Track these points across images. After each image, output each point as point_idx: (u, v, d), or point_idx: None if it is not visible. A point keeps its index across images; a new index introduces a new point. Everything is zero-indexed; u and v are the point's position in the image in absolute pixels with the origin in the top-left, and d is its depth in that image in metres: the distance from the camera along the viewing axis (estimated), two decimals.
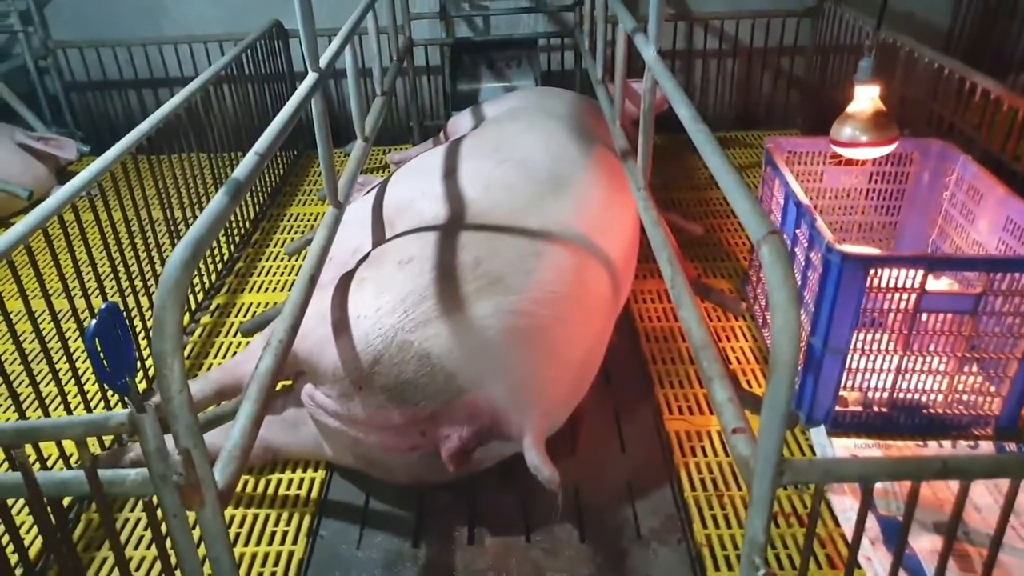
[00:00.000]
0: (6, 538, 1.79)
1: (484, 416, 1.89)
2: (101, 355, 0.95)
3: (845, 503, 1.97)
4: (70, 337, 2.64)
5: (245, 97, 3.65)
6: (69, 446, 2.11)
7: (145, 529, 2.00)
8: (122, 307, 2.43)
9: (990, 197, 2.28)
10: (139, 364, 1.76)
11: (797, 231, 2.28)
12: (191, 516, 1.18)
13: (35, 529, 1.95)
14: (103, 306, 0.96)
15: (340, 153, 3.83)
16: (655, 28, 1.99)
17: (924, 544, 1.83)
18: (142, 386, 2.37)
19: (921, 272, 1.96)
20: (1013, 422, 2.14)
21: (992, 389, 2.14)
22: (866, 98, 2.31)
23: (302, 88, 1.89)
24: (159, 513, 1.17)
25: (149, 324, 2.60)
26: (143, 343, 2.55)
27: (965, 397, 2.16)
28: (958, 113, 3.07)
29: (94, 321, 0.94)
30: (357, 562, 1.91)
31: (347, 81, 2.56)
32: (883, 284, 1.98)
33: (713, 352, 1.48)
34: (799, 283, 2.24)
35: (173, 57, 4.21)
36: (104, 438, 2.21)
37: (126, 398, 1.02)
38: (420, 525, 2.01)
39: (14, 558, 1.72)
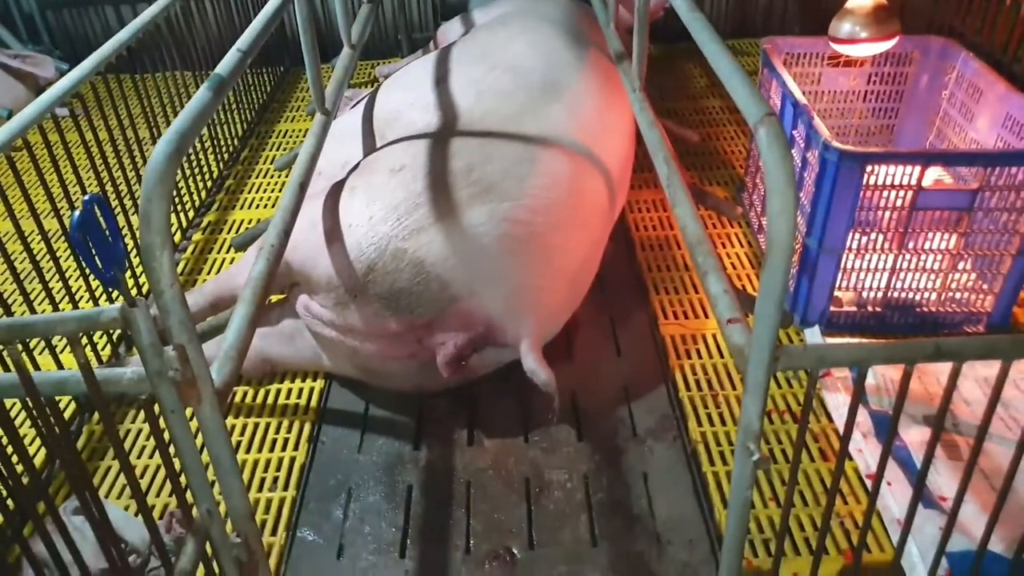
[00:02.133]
0: (10, 449, 1.81)
1: (479, 323, 1.90)
2: (89, 246, 0.93)
3: (838, 399, 2.00)
4: (61, 256, 2.62)
5: (227, 11, 3.53)
6: (67, 360, 2.12)
7: (147, 439, 2.02)
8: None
9: (990, 94, 2.24)
10: (128, 263, 1.73)
11: (794, 132, 2.25)
12: (190, 414, 1.19)
13: (37, 442, 1.97)
14: (87, 197, 0.94)
15: (327, 68, 3.74)
16: None
17: (914, 436, 1.86)
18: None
19: (918, 168, 1.94)
20: (1005, 319, 2.16)
21: (985, 287, 2.15)
22: None
23: None
24: (157, 411, 1.17)
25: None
26: (136, 260, 2.54)
27: (958, 295, 2.17)
28: (959, 16, 2.99)
29: (77, 212, 0.92)
30: (358, 465, 1.95)
31: None
32: (880, 182, 1.96)
33: (708, 247, 1.47)
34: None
35: None
36: (102, 360, 2.22)
37: (116, 293, 1.01)
38: (420, 429, 2.04)
39: (19, 467, 1.75)
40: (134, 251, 2.44)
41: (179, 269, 2.66)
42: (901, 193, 1.98)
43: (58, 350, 2.15)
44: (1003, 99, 2.17)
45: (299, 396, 2.14)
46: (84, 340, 2.20)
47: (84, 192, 2.26)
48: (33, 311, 2.06)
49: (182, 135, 1.11)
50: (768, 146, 1.07)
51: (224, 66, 1.35)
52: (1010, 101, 2.14)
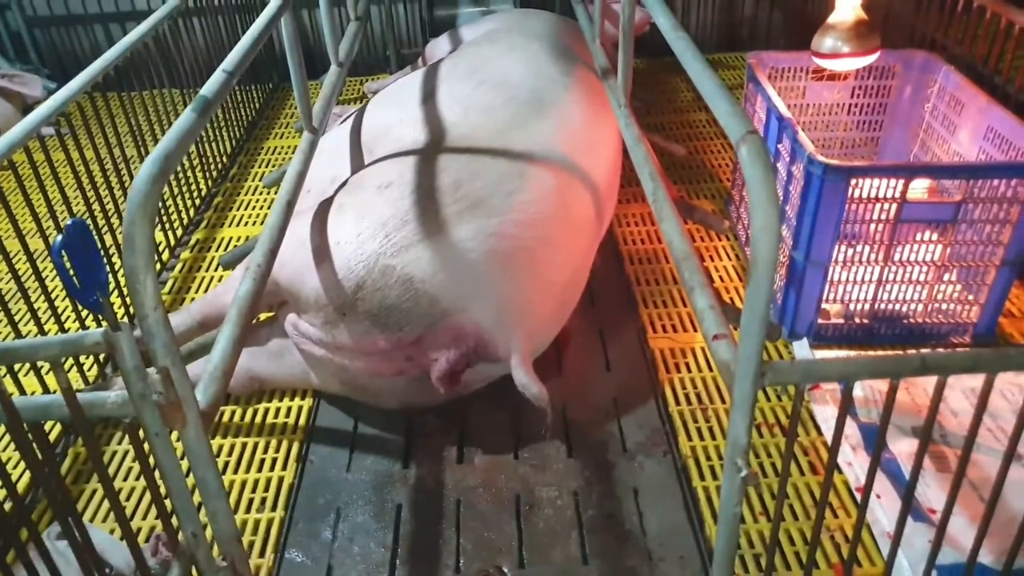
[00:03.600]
0: None
1: (469, 338, 1.89)
2: (70, 271, 0.93)
3: (827, 412, 2.00)
4: (47, 276, 2.61)
5: (216, 30, 3.54)
6: (52, 382, 2.10)
7: (133, 462, 2.01)
8: (95, 236, 2.39)
9: (972, 106, 2.26)
10: (113, 286, 1.72)
11: (779, 146, 2.26)
12: (175, 438, 1.18)
13: (22, 465, 1.95)
14: (70, 221, 0.93)
15: (316, 85, 3.74)
16: None
17: (903, 447, 1.87)
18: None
19: (902, 181, 1.96)
20: (990, 329, 2.17)
21: (970, 297, 2.16)
22: (848, 6, 2.27)
23: (272, 4, 1.83)
24: (142, 434, 1.17)
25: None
26: (120, 275, 2.52)
27: (944, 306, 2.18)
28: (941, 29, 3.02)
29: (60, 236, 0.92)
30: (347, 484, 1.94)
31: (320, 9, 2.48)
32: (864, 195, 1.98)
33: (695, 262, 1.48)
34: (781, 198, 2.23)
35: None
36: (88, 381, 2.21)
37: (101, 317, 1.01)
38: (409, 447, 2.03)
39: (1, 492, 1.73)
40: (121, 271, 2.43)
41: (167, 288, 2.65)
42: (886, 206, 1.99)
43: (44, 372, 2.14)
44: (984, 112, 2.19)
45: (287, 415, 2.13)
46: (70, 361, 2.18)
47: (70, 211, 2.25)
48: (18, 331, 2.04)
49: (166, 157, 1.10)
50: (751, 163, 1.08)
51: (210, 87, 1.35)
52: (991, 114, 2.16)
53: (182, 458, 1.20)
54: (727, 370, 1.21)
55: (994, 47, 2.70)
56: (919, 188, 2.22)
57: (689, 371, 2.19)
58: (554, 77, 2.43)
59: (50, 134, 2.38)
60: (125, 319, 2.44)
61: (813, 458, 1.92)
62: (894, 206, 1.99)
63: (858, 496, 1.79)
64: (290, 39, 2.03)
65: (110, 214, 2.51)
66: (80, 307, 2.26)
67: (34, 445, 1.14)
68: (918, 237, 2.07)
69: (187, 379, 1.14)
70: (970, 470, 1.71)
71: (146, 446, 1.18)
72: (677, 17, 1.58)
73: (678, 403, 2.09)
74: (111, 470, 1.98)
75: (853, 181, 1.95)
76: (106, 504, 1.88)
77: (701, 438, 1.99)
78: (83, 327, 2.29)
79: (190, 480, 1.23)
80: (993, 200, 1.97)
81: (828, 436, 1.95)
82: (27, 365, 2.12)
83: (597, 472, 1.93)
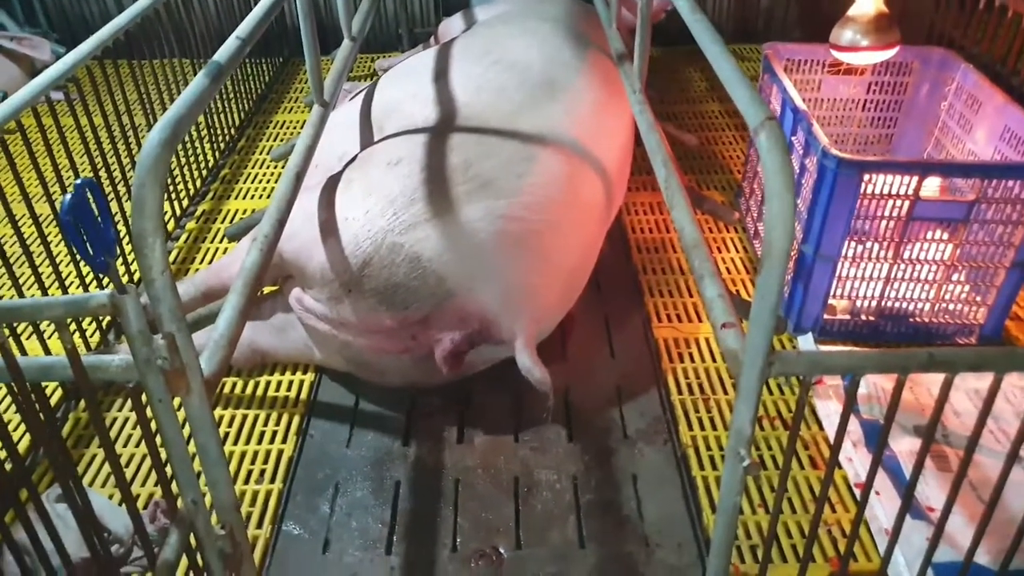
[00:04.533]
0: None
1: (474, 320, 1.89)
2: (80, 231, 0.92)
3: (830, 407, 1.99)
4: (52, 241, 2.60)
5: (228, 0, 3.51)
6: (54, 345, 2.10)
7: (134, 428, 2.01)
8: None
9: (989, 106, 2.24)
10: (118, 248, 1.70)
11: (793, 138, 2.24)
12: (178, 404, 1.18)
13: (22, 427, 1.95)
14: (79, 180, 0.92)
15: (327, 60, 3.72)
16: None
17: (904, 446, 1.86)
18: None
19: (916, 178, 1.94)
20: (997, 332, 2.16)
21: (978, 299, 2.15)
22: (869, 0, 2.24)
23: None
24: (144, 399, 1.16)
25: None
26: (128, 246, 2.52)
27: (951, 306, 2.17)
28: (959, 27, 2.99)
29: (69, 195, 0.91)
30: (347, 460, 1.94)
31: None
32: (877, 190, 1.96)
33: (704, 251, 1.46)
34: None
35: None
36: (90, 346, 2.20)
37: (106, 279, 1.00)
38: (410, 425, 2.03)
39: (2, 453, 1.73)
40: (126, 237, 2.43)
41: (172, 258, 2.64)
42: (898, 202, 1.98)
43: (46, 335, 2.13)
44: (1001, 111, 2.17)
45: (289, 388, 2.12)
46: (72, 326, 2.18)
47: (77, 176, 2.25)
48: (21, 295, 2.04)
49: (178, 121, 1.09)
50: (768, 151, 1.06)
51: (222, 53, 1.34)
52: (1008, 114, 2.14)
53: (183, 426, 1.20)
54: (734, 359, 1.20)
55: (1013, 47, 2.67)
56: (931, 186, 2.20)
57: (692, 361, 2.19)
58: (567, 61, 2.41)
59: (59, 99, 2.36)
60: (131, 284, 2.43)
61: (813, 452, 1.91)
62: (906, 203, 1.97)
63: (857, 492, 1.79)
64: (304, 11, 2.01)
65: (116, 181, 2.50)
66: (86, 273, 2.25)
67: (36, 406, 1.14)
68: (928, 235, 2.06)
69: (192, 346, 1.13)
70: (970, 470, 1.70)
71: (148, 412, 1.18)
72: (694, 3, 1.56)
73: (680, 392, 2.08)
74: (111, 436, 1.98)
75: (866, 176, 1.94)
76: (105, 469, 1.89)
77: (702, 428, 1.98)
78: (86, 292, 2.29)
79: (191, 447, 1.23)
80: (1007, 201, 1.95)
81: (829, 431, 1.94)
82: (30, 327, 2.12)
83: (597, 457, 1.93)
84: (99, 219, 0.95)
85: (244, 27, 1.46)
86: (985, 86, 2.27)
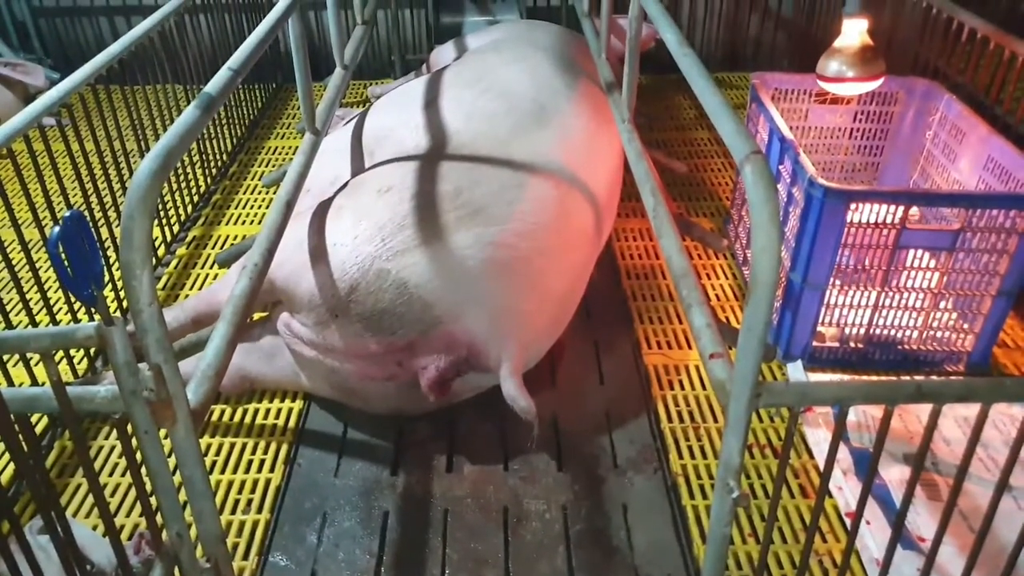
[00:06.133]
0: None
1: (461, 347, 1.88)
2: (66, 263, 0.92)
3: (819, 435, 1.99)
4: (41, 268, 2.59)
5: (222, 27, 3.53)
6: (41, 373, 2.09)
7: (120, 457, 1.99)
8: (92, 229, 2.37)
9: (972, 136, 2.27)
10: (108, 280, 1.71)
11: (780, 167, 2.26)
12: (163, 435, 1.17)
13: (6, 456, 1.93)
14: (68, 213, 0.93)
15: (320, 87, 3.74)
16: None
17: (894, 474, 1.86)
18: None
19: (902, 207, 1.96)
20: (984, 359, 2.17)
21: (965, 326, 2.16)
22: (854, 32, 2.28)
23: (280, 4, 1.82)
24: (130, 430, 1.15)
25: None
26: (116, 272, 2.51)
27: (939, 334, 2.18)
28: (944, 57, 3.04)
29: (57, 227, 0.91)
30: (335, 489, 1.92)
31: (327, 12, 2.48)
32: (864, 219, 1.98)
33: (693, 280, 1.47)
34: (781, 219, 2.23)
35: None
36: (78, 374, 2.19)
37: (94, 310, 1.00)
38: (398, 454, 2.02)
39: None
40: (116, 264, 2.42)
41: (162, 283, 2.63)
42: (884, 231, 2.00)
43: (32, 363, 2.12)
44: (985, 141, 2.20)
45: (277, 416, 2.11)
46: (60, 353, 2.16)
47: (68, 202, 2.24)
48: (9, 322, 2.03)
49: (168, 153, 1.10)
50: (754, 184, 1.07)
51: (214, 85, 1.35)
52: (991, 144, 2.17)
53: (169, 456, 1.19)
54: (722, 390, 1.21)
55: (996, 78, 2.72)
56: (913, 214, 2.23)
57: (682, 388, 2.19)
58: (558, 89, 2.43)
59: (51, 125, 2.37)
60: (118, 314, 2.42)
61: (804, 481, 1.91)
62: (893, 232, 1.99)
63: (847, 521, 1.79)
64: (297, 40, 2.02)
65: (107, 207, 2.49)
66: (73, 300, 2.24)
67: (20, 437, 1.13)
68: (916, 264, 2.08)
69: (179, 377, 1.13)
70: (960, 499, 1.70)
71: (133, 442, 1.17)
72: (683, 34, 1.58)
73: (670, 420, 2.08)
74: (96, 465, 1.96)
75: (853, 205, 1.96)
76: (90, 499, 1.86)
77: (692, 456, 1.98)
78: (75, 320, 2.28)
79: (176, 479, 1.22)
80: (992, 230, 1.97)
81: (819, 459, 1.94)
82: (16, 356, 2.10)
83: (586, 486, 1.92)
84: (87, 251, 0.95)
85: (236, 58, 1.47)
86: (968, 116, 2.30)
